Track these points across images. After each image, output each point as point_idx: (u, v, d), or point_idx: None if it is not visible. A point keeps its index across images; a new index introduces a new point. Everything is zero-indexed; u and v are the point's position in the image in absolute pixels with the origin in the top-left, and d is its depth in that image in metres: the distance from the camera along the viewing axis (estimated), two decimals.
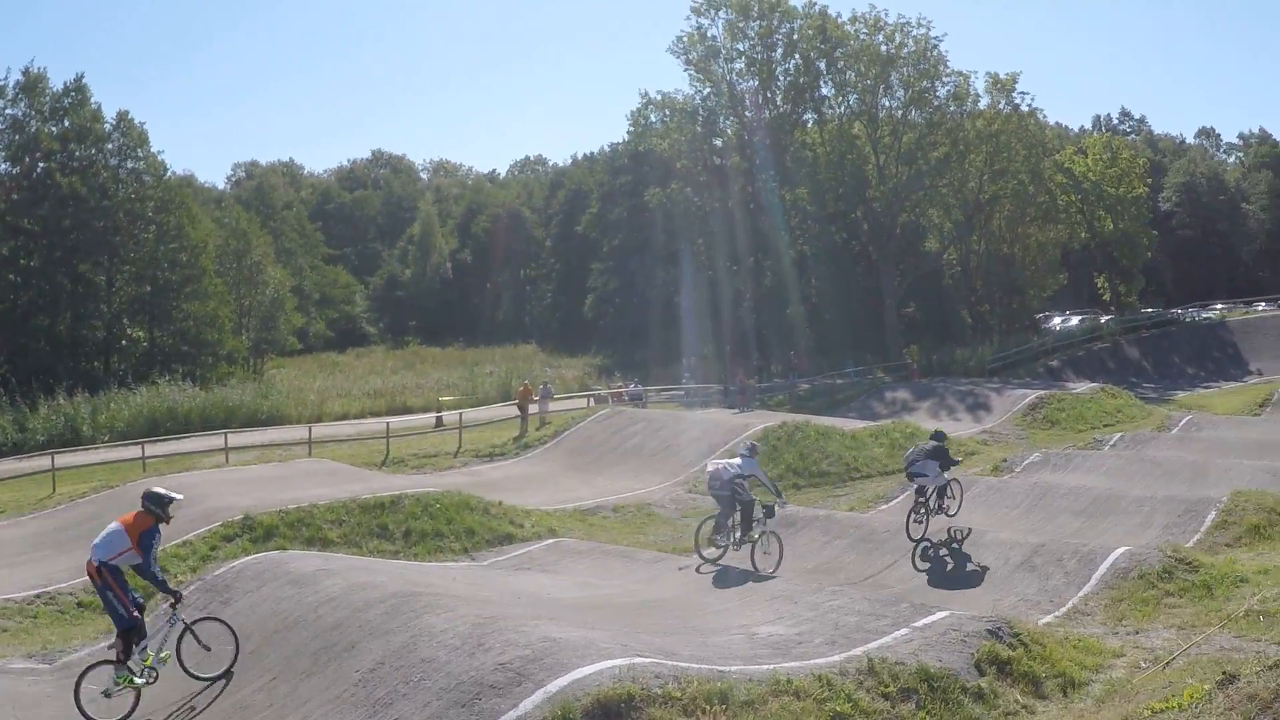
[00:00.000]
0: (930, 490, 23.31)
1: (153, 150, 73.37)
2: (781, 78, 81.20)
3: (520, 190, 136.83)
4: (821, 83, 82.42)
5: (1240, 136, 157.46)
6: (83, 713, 13.78)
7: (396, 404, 64.15)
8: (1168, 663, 13.98)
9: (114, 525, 14.47)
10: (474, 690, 11.26)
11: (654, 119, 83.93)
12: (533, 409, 49.00)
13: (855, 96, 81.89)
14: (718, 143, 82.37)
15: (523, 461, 40.36)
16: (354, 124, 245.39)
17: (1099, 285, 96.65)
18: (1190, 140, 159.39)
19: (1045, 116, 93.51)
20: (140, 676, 14.24)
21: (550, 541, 24.18)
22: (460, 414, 47.51)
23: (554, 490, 33.44)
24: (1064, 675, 13.58)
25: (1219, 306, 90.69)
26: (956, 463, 24.29)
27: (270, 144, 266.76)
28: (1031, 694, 13.07)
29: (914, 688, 12.19)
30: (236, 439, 43.69)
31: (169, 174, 76.09)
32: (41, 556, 24.79)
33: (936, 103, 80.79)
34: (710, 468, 22.20)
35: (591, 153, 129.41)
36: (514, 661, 11.63)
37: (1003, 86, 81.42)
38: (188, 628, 15.01)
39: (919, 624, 14.30)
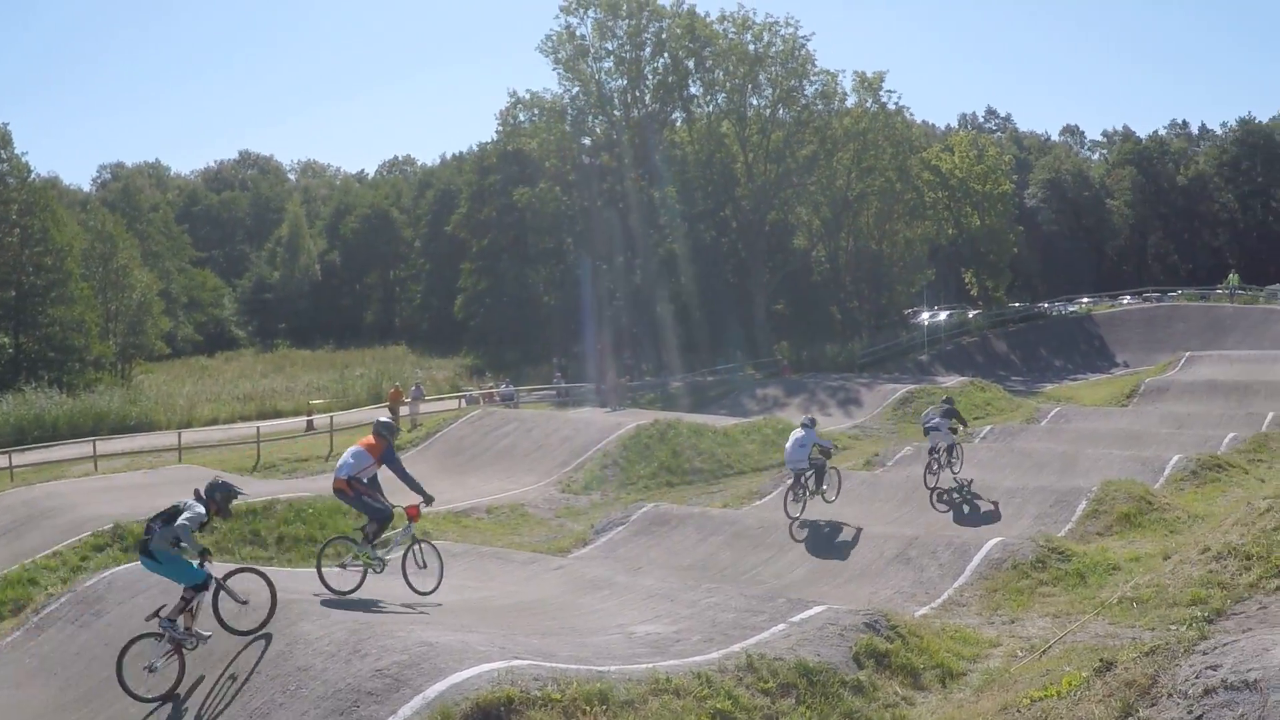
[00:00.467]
0: (942, 447, 27.44)
1: (16, 152, 72.25)
2: (650, 76, 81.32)
3: (389, 190, 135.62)
4: (690, 81, 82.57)
5: (1104, 134, 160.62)
6: (324, 581, 16.51)
7: (267, 408, 63.39)
8: (1044, 651, 14.22)
9: (356, 448, 17.15)
10: (352, 698, 11.17)
11: (523, 118, 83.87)
12: (404, 411, 48.77)
13: (724, 95, 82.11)
14: (586, 142, 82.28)
15: None
16: (221, 125, 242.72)
17: (967, 280, 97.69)
18: (1055, 138, 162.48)
19: (912, 115, 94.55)
20: (375, 562, 16.83)
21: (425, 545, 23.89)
22: (331, 417, 47.23)
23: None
24: (942, 666, 13.76)
25: (1085, 300, 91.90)
26: (965, 423, 29.52)
27: (136, 145, 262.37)
28: (910, 685, 13.21)
29: (793, 683, 12.27)
30: (105, 446, 42.82)
31: (33, 176, 74.88)
32: None
33: (804, 101, 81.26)
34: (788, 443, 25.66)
35: (461, 152, 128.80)
36: (391, 667, 11.56)
37: (870, 85, 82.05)
38: (417, 542, 17.65)
39: (796, 619, 14.40)
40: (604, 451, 36.10)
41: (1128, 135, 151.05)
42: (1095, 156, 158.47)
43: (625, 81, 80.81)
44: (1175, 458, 29.69)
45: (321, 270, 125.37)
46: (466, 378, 76.10)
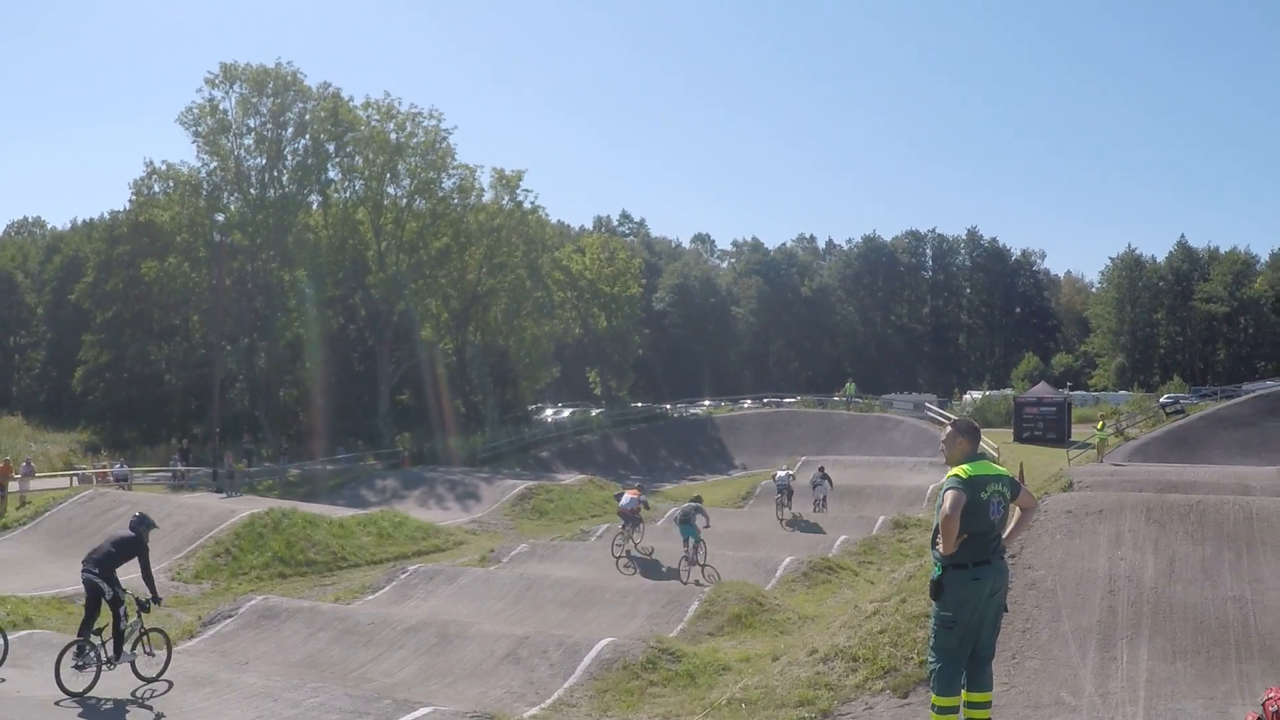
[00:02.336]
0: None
1: None
2: (290, 157, 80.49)
3: (15, 252, 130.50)
4: (330, 165, 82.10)
5: (734, 243, 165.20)
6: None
7: None
8: None
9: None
10: None
11: (157, 189, 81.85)
12: (13, 487, 47.10)
13: (362, 182, 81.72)
14: (220, 218, 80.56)
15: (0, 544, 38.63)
16: None
17: (591, 379, 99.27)
18: (686, 244, 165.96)
19: (548, 214, 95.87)
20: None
21: (24, 634, 22.74)
22: None
23: (33, 575, 31.73)
24: None
25: (707, 403, 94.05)
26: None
27: None
28: None
29: None
30: None
31: None
32: None
33: (441, 194, 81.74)
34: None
35: (92, 218, 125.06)
36: None
37: (508, 183, 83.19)
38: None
39: None
40: (216, 539, 35.26)
41: (756, 246, 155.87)
42: (724, 265, 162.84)
43: (264, 160, 79.69)
44: (787, 559, 30.40)
45: None
46: (81, 455, 73.57)
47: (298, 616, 23.45)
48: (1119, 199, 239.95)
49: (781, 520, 41.32)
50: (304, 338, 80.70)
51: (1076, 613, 16.76)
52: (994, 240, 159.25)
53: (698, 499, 34.55)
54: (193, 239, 78.04)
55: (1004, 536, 10.49)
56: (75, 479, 53.49)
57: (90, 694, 16.46)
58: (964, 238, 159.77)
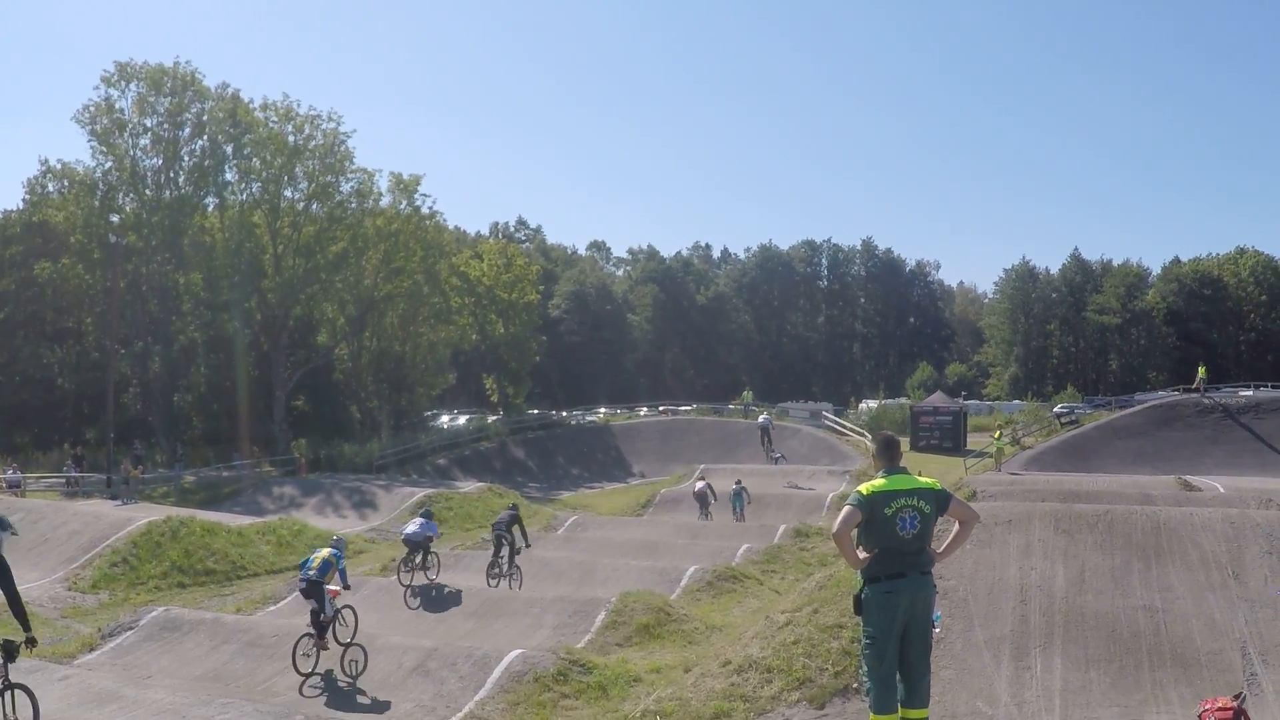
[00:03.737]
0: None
1: None
2: (187, 158, 79.47)
3: None
4: (227, 167, 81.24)
5: (630, 251, 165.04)
6: None
7: None
8: None
9: None
10: None
11: (52, 189, 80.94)
12: None
13: (259, 184, 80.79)
14: (115, 219, 79.40)
15: None
16: None
17: (488, 386, 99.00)
18: (583, 252, 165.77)
19: (446, 220, 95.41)
20: None
21: None
22: None
23: None
24: None
25: (602, 411, 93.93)
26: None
27: None
28: None
29: None
30: None
31: None
32: None
33: (339, 198, 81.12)
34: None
35: None
36: None
37: (406, 188, 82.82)
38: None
39: None
40: (113, 548, 34.83)
41: (652, 254, 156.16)
42: (620, 272, 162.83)
43: (161, 161, 78.61)
44: (692, 568, 30.35)
45: None
46: None
47: (200, 628, 23.14)
48: (1013, 211, 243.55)
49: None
50: (198, 342, 79.90)
51: (990, 622, 16.98)
52: (889, 251, 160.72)
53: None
54: (87, 240, 76.78)
55: (936, 550, 10.57)
56: None
57: None
58: (859, 248, 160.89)
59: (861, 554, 10.36)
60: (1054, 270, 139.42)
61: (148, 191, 78.60)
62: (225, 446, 73.21)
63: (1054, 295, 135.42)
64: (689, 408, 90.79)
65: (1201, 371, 73.60)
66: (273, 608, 28.03)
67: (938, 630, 15.57)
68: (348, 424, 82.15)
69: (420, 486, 57.12)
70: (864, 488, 10.35)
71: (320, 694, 19.58)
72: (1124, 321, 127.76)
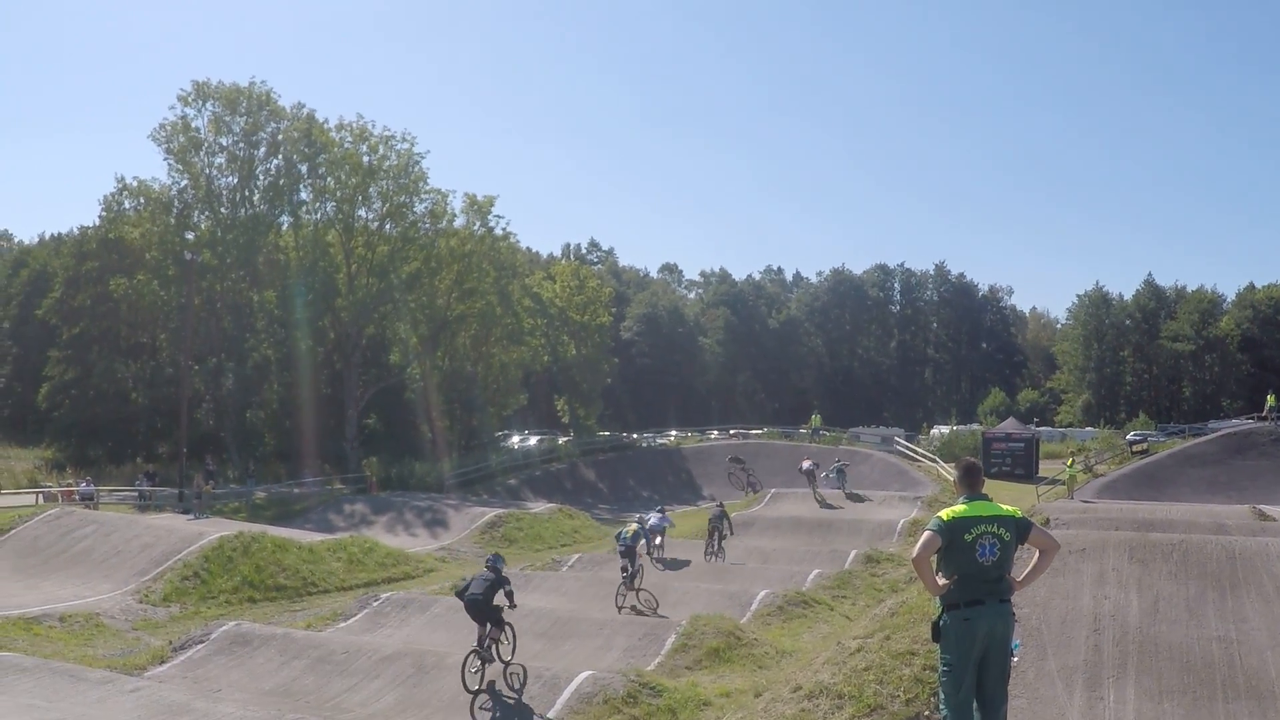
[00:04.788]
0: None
1: None
2: (262, 177, 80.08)
3: None
4: (301, 186, 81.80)
5: (702, 274, 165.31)
6: None
7: None
8: None
9: None
10: None
11: (128, 205, 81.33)
12: None
13: (333, 204, 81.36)
14: (190, 237, 79.89)
15: None
16: None
17: (559, 407, 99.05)
18: (655, 274, 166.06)
19: (519, 241, 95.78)
20: None
21: None
22: None
23: None
24: None
25: (673, 433, 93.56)
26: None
27: None
28: None
29: None
30: None
31: None
32: None
33: (413, 218, 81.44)
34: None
35: (60, 233, 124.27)
36: None
37: (479, 208, 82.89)
38: None
39: None
40: (185, 562, 34.75)
41: (724, 277, 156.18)
42: (692, 295, 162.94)
43: (236, 179, 79.24)
44: (762, 592, 30.06)
45: None
46: (46, 472, 72.93)
47: (270, 644, 23.11)
48: (1087, 236, 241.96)
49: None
50: (271, 359, 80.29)
51: (1062, 651, 16.65)
52: (961, 275, 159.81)
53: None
54: (162, 257, 77.39)
55: (1016, 578, 10.38)
56: (41, 496, 53.06)
57: None
58: (932, 272, 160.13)
59: (940, 580, 10.17)
60: (1128, 296, 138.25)
61: (223, 209, 79.22)
62: (296, 463, 73.49)
63: (1128, 321, 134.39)
64: (760, 431, 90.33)
65: (1271, 399, 72.49)
66: (343, 624, 27.94)
67: (1016, 659, 15.34)
68: (418, 443, 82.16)
69: (491, 506, 56.96)
70: (944, 513, 10.18)
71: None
72: (1198, 348, 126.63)
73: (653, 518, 40.23)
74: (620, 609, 29.68)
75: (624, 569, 31.05)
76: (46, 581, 34.05)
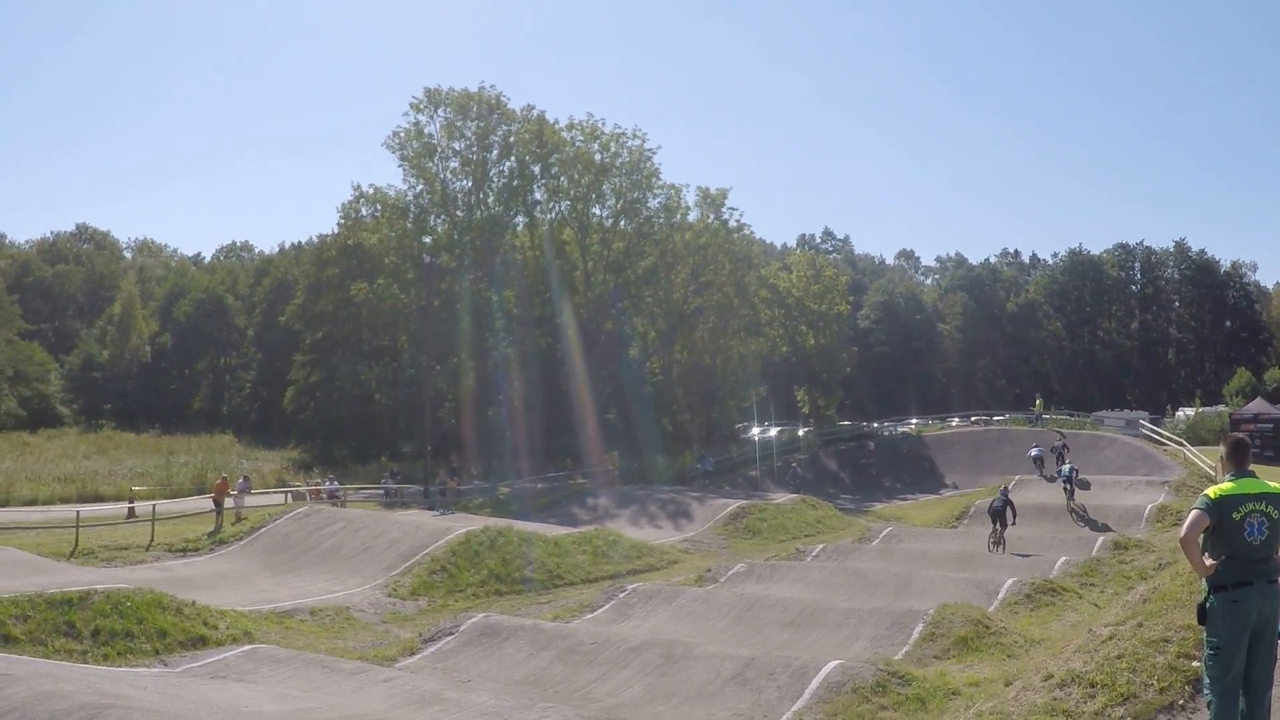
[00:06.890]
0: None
1: None
2: (495, 179, 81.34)
3: (225, 276, 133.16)
4: (535, 186, 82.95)
5: (938, 259, 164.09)
6: None
7: (88, 490, 61.10)
8: None
9: None
10: None
11: (365, 212, 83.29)
12: (229, 503, 47.55)
13: (567, 203, 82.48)
14: (427, 240, 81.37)
15: (217, 558, 38.37)
16: (59, 195, 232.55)
17: (798, 398, 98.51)
18: (890, 261, 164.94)
19: (753, 232, 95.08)
20: None
21: (248, 648, 22.41)
22: (154, 505, 45.85)
23: (249, 590, 31.88)
24: None
25: (914, 422, 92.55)
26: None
27: None
28: None
29: None
30: None
31: None
32: None
33: (647, 213, 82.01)
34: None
35: (300, 242, 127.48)
36: None
37: (713, 201, 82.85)
38: None
39: None
40: (432, 556, 35.11)
41: (960, 262, 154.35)
42: (928, 281, 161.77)
43: (470, 182, 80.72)
44: (1009, 581, 29.51)
45: (152, 352, 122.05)
46: (293, 472, 74.54)
47: (519, 635, 23.15)
48: None
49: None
50: (511, 357, 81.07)
51: None
52: (1202, 252, 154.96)
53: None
54: (401, 261, 78.97)
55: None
56: (289, 495, 54.12)
57: None
58: (1171, 250, 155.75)
59: (1208, 560, 9.61)
60: None
61: (458, 212, 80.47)
62: (538, 458, 74.01)
63: None
64: (1002, 417, 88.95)
65: None
66: (590, 615, 27.90)
67: None
68: (659, 436, 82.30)
69: (734, 498, 56.68)
70: (1211, 491, 9.64)
71: None
72: None
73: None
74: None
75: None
76: (296, 577, 34.63)
